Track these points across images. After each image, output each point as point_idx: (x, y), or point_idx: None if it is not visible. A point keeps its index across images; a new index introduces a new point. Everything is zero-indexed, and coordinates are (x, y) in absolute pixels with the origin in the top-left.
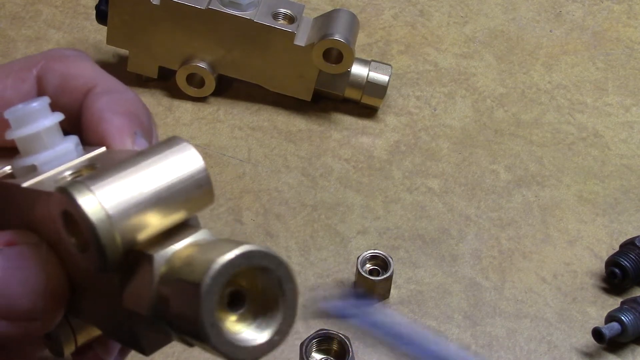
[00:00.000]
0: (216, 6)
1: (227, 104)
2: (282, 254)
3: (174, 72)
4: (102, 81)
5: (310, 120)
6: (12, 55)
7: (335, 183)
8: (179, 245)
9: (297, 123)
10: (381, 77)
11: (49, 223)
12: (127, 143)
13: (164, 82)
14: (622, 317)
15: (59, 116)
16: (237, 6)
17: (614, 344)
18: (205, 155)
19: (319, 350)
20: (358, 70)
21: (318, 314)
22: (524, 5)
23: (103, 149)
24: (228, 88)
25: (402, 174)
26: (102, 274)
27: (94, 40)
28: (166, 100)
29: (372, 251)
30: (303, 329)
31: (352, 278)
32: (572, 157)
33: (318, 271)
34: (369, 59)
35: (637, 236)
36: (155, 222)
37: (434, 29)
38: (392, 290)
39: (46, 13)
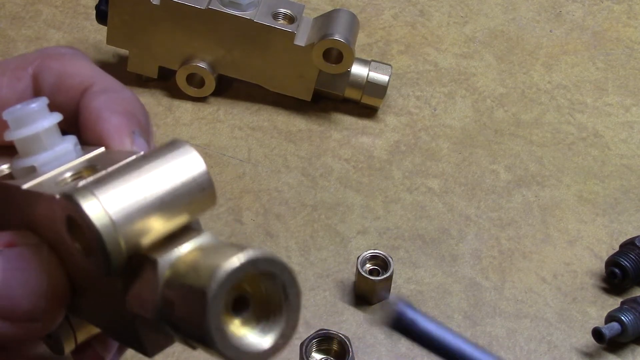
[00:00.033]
0: (216, 6)
1: (227, 104)
2: (282, 254)
3: (174, 72)
4: (99, 80)
5: (310, 120)
6: (12, 55)
7: (335, 183)
8: (183, 249)
9: (297, 123)
10: (381, 77)
11: (50, 224)
12: (126, 143)
13: (164, 82)
14: (622, 317)
15: (57, 117)
16: (237, 6)
17: (614, 344)
18: (205, 155)
19: (319, 350)
20: (358, 70)
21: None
22: (524, 5)
23: (102, 149)
24: (228, 88)
25: (402, 174)
26: (106, 277)
27: (94, 40)
28: (166, 100)
29: (372, 251)
30: (303, 329)
31: (352, 278)
32: (572, 157)
33: (318, 271)
34: (369, 59)
35: (637, 236)
36: (158, 226)
37: (434, 29)
38: (392, 290)
39: (46, 13)
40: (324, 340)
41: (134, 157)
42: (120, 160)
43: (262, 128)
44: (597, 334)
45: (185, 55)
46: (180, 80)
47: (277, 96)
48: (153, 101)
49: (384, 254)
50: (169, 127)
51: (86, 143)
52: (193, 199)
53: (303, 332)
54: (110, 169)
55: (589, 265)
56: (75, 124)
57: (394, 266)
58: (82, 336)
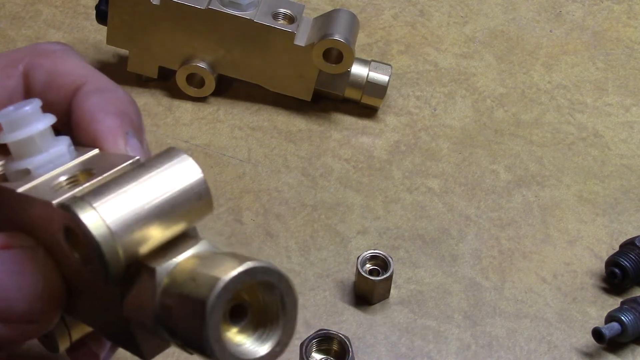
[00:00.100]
0: (216, 6)
1: (227, 104)
2: (282, 254)
3: (174, 72)
4: (91, 78)
5: (310, 120)
6: None
7: (335, 183)
8: (181, 257)
9: (297, 123)
10: (381, 77)
11: (46, 227)
12: (120, 144)
13: (164, 82)
14: (622, 317)
15: (51, 119)
16: (237, 6)
17: (614, 344)
18: (205, 155)
19: (319, 350)
20: (358, 70)
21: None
22: (524, 5)
23: (96, 150)
24: (228, 88)
25: (402, 174)
26: (104, 285)
27: (94, 40)
28: (166, 100)
29: (372, 251)
30: (303, 329)
31: (352, 278)
32: (572, 157)
33: (318, 271)
34: (369, 59)
35: (637, 236)
36: (156, 234)
37: (434, 29)
38: (392, 290)
39: (46, 13)
40: (324, 340)
41: (129, 162)
42: (116, 165)
43: (262, 128)
44: (597, 334)
45: (185, 55)
46: (180, 80)
47: (277, 96)
48: (153, 101)
49: (384, 254)
50: (169, 127)
51: (79, 143)
52: (190, 207)
53: (303, 332)
54: (107, 177)
55: (589, 265)
56: (67, 122)
57: (394, 266)
58: (76, 334)
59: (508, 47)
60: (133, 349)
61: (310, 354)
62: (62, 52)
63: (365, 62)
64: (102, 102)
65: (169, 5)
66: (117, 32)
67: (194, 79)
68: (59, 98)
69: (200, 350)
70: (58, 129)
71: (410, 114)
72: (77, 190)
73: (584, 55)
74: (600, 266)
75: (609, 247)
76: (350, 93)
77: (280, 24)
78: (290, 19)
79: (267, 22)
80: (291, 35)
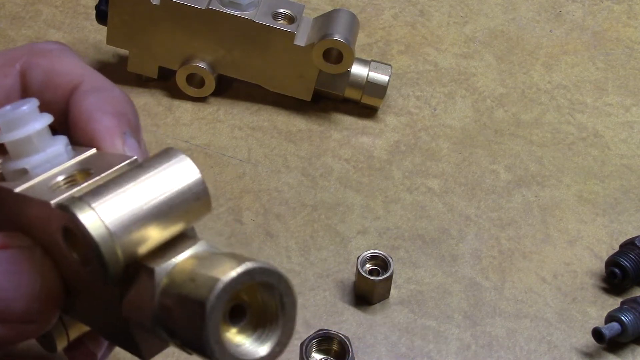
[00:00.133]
0: (216, 6)
1: (227, 104)
2: (282, 254)
3: (174, 72)
4: (88, 78)
5: (310, 120)
6: None
7: (335, 183)
8: (180, 258)
9: (297, 123)
10: (381, 77)
11: (43, 226)
12: (117, 144)
13: (164, 82)
14: (622, 317)
15: (49, 118)
16: (237, 6)
17: (614, 344)
18: (205, 155)
19: (319, 350)
20: (358, 70)
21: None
22: (524, 5)
23: (93, 150)
24: (228, 88)
25: (402, 174)
26: (103, 285)
27: (94, 40)
28: (166, 100)
29: (372, 251)
30: (303, 329)
31: (352, 278)
32: (572, 157)
33: (318, 271)
34: (369, 59)
35: (637, 236)
36: (155, 235)
37: (434, 29)
38: (392, 290)
39: (46, 13)
40: (324, 340)
41: (127, 162)
42: (113, 165)
43: (262, 128)
44: (597, 334)
45: (185, 55)
46: (180, 80)
47: (277, 96)
48: (153, 101)
49: (384, 254)
50: (169, 127)
51: (76, 142)
52: (189, 208)
53: (303, 332)
54: (105, 177)
55: (589, 265)
56: (64, 121)
57: (394, 266)
58: (74, 333)
59: (508, 47)
60: (132, 349)
61: (310, 354)
62: (60, 51)
63: (365, 62)
64: (100, 102)
65: (169, 5)
66: (117, 32)
67: (194, 79)
68: (56, 97)
69: (200, 351)
70: (55, 129)
71: (410, 114)
72: (75, 190)
73: (584, 55)
74: (600, 266)
75: (609, 247)
76: (350, 93)
77: (280, 24)
78: (290, 19)
79: (267, 22)
80: (291, 35)
